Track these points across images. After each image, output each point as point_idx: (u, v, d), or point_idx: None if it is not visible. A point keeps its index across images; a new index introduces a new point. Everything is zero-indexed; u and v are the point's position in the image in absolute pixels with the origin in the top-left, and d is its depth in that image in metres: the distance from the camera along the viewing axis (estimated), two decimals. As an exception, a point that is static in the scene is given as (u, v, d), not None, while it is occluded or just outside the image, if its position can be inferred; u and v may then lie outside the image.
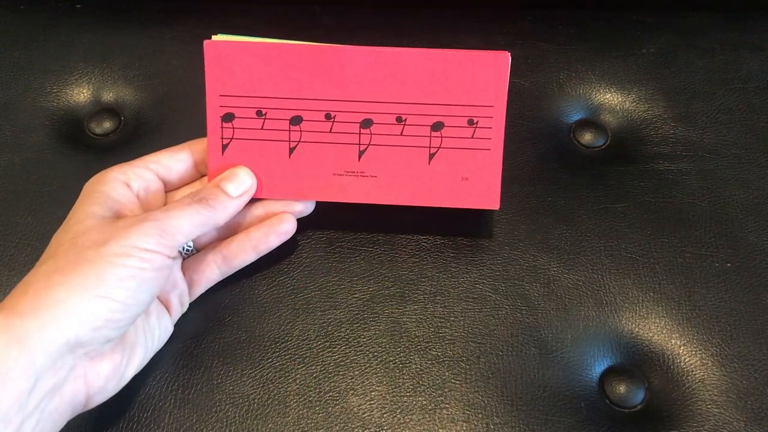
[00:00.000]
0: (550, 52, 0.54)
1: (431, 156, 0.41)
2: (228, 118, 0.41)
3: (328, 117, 0.41)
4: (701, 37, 0.55)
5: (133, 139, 0.49)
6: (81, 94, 0.52)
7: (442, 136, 0.41)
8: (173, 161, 0.41)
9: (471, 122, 0.41)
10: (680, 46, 0.54)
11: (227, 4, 0.56)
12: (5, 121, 0.49)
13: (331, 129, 0.41)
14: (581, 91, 0.52)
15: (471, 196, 0.42)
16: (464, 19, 0.56)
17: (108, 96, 0.52)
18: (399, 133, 0.41)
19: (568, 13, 0.56)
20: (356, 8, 0.56)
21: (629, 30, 0.55)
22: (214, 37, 0.41)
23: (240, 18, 0.55)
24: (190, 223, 0.37)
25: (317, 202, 0.43)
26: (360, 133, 0.41)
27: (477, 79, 0.40)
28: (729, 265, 0.43)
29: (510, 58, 0.40)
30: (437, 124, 0.41)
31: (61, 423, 0.33)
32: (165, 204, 0.41)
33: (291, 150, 0.41)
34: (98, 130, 0.50)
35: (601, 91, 0.52)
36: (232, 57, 0.40)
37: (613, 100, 0.51)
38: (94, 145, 0.49)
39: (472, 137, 0.41)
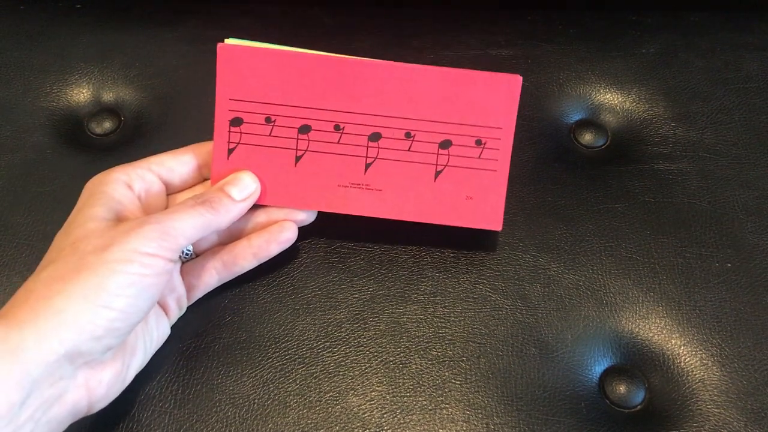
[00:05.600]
0: (550, 52, 0.54)
1: (437, 173, 0.41)
2: (236, 122, 0.40)
3: (336, 128, 0.41)
4: (701, 37, 0.55)
5: (134, 139, 0.49)
6: (81, 94, 0.52)
7: (449, 155, 0.41)
8: (176, 163, 0.41)
9: (479, 142, 0.41)
10: (680, 46, 0.54)
11: (227, 5, 0.56)
12: (5, 121, 0.49)
13: (339, 140, 0.41)
14: (581, 91, 0.52)
15: (474, 216, 0.42)
16: (464, 19, 0.56)
17: (108, 96, 0.52)
18: (407, 149, 0.41)
19: (568, 13, 0.56)
20: (357, 9, 0.56)
21: (629, 30, 0.55)
22: (227, 41, 0.40)
23: (240, 18, 0.55)
24: (192, 225, 0.36)
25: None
26: (368, 146, 0.41)
27: (488, 100, 0.40)
28: (729, 265, 0.43)
29: (521, 81, 0.40)
30: (445, 142, 0.41)
31: (60, 430, 0.33)
32: (166, 207, 0.40)
33: (297, 158, 0.41)
34: (98, 130, 0.50)
35: (601, 91, 0.52)
36: (245, 62, 0.40)
37: (613, 100, 0.51)
38: (94, 145, 0.49)
39: (479, 157, 0.41)
